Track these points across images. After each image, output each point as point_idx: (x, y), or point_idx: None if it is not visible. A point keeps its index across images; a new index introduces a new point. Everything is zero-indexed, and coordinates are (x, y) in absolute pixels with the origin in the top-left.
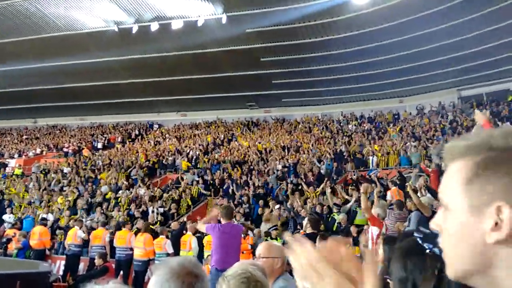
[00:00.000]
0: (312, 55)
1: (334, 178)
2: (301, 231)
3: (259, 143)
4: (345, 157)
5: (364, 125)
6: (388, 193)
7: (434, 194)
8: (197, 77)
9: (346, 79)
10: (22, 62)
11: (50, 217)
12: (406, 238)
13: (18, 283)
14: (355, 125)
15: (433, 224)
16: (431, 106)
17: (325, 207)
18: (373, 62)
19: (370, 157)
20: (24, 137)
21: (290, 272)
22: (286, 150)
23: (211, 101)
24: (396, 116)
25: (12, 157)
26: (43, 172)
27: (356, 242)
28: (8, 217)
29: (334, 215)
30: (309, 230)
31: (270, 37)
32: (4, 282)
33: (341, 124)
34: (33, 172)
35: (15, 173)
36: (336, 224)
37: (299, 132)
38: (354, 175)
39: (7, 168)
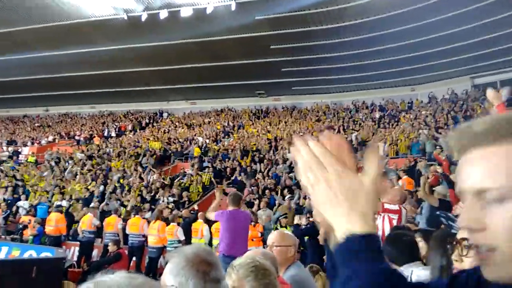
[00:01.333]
0: (322, 42)
1: None
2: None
3: (269, 131)
4: (355, 145)
5: (375, 113)
6: (399, 182)
7: (450, 183)
8: (206, 65)
9: (357, 67)
10: (33, 51)
11: (64, 204)
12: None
13: (34, 268)
14: (365, 114)
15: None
16: (443, 95)
17: None
18: (384, 50)
19: (380, 146)
20: (37, 125)
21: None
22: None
23: (220, 89)
24: (409, 105)
25: (25, 145)
26: (56, 160)
27: None
28: (23, 204)
29: None
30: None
31: (279, 24)
32: (21, 268)
33: (351, 113)
34: (46, 160)
35: (28, 160)
36: None
37: (308, 121)
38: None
39: (20, 156)
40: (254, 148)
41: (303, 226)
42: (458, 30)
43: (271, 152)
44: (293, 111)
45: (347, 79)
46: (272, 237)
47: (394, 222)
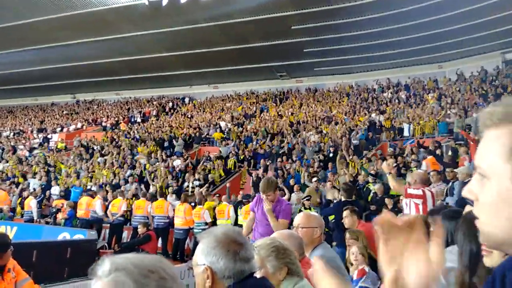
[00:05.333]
0: (345, 20)
1: (369, 148)
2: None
3: (291, 114)
4: (380, 126)
5: (401, 93)
6: (424, 162)
7: None
8: (227, 49)
9: (381, 45)
10: (57, 40)
11: (94, 188)
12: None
13: (69, 250)
14: (391, 93)
15: (467, 192)
16: (472, 71)
17: (360, 176)
18: (409, 27)
19: (406, 126)
20: (65, 112)
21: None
22: (319, 121)
23: (242, 72)
24: (436, 83)
25: (54, 132)
26: (84, 146)
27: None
28: (55, 189)
29: (369, 185)
30: (343, 198)
31: (300, 3)
32: (56, 250)
33: (376, 93)
34: (74, 146)
35: (58, 147)
36: (371, 194)
37: (332, 102)
38: (390, 146)
39: (50, 142)
40: (277, 131)
41: (332, 203)
42: (487, 3)
43: (294, 134)
44: (316, 93)
45: (371, 58)
46: (297, 219)
47: (420, 208)
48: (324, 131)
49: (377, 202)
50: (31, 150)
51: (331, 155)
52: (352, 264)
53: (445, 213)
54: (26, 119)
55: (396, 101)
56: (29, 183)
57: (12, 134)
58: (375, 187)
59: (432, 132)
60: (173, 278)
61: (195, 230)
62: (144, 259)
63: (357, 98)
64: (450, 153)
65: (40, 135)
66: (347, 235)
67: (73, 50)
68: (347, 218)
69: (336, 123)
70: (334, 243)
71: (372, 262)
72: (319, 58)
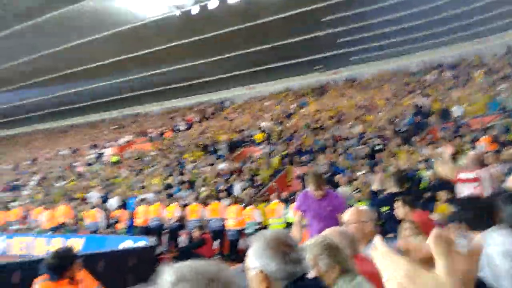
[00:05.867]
0: (377, 6)
1: (418, 133)
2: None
3: (331, 107)
4: (426, 110)
5: (445, 73)
6: (478, 143)
7: None
8: (259, 49)
9: (418, 26)
10: (100, 59)
11: (150, 196)
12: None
13: (131, 258)
14: (434, 75)
15: None
16: None
17: (411, 164)
18: (447, 3)
19: (455, 107)
20: (113, 127)
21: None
22: (360, 111)
23: (277, 70)
24: (482, 59)
25: (106, 147)
26: (135, 157)
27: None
28: (112, 201)
29: (422, 171)
30: (394, 190)
31: None
32: (119, 258)
33: (418, 75)
34: (127, 158)
35: (111, 160)
36: (424, 181)
37: (372, 90)
38: (441, 129)
39: (104, 157)
40: (318, 126)
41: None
42: None
43: (336, 127)
44: (354, 83)
45: (408, 40)
46: (347, 215)
47: (476, 191)
48: (367, 121)
49: (431, 189)
50: (87, 165)
51: (377, 145)
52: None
53: (505, 197)
54: (79, 138)
55: (441, 82)
56: (89, 197)
57: (68, 152)
58: (428, 173)
59: (484, 111)
60: (232, 284)
61: (247, 231)
62: (205, 267)
63: (399, 83)
64: (504, 131)
65: (94, 151)
66: (403, 226)
67: (115, 67)
68: (399, 210)
69: (379, 112)
70: (388, 236)
71: None
72: (354, 47)
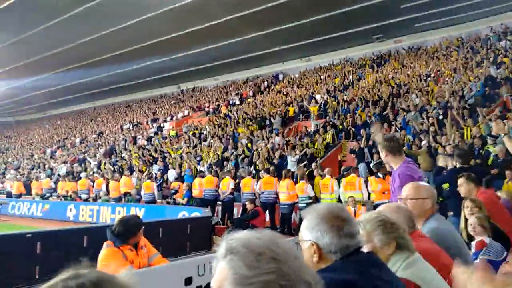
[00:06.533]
0: None
1: (487, 105)
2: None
3: (392, 78)
4: (498, 80)
5: None
6: None
7: None
8: (318, 18)
9: None
10: (159, 35)
11: (204, 169)
12: None
13: (189, 226)
14: (509, 40)
15: None
16: None
17: (476, 139)
18: None
19: None
20: (172, 102)
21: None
22: (424, 81)
23: (335, 40)
24: None
25: (165, 121)
26: (192, 131)
27: None
28: (171, 172)
29: (489, 147)
30: (458, 165)
31: None
32: (179, 227)
33: (491, 42)
34: (184, 132)
35: (170, 134)
36: (492, 157)
37: (437, 60)
38: None
39: (163, 131)
40: (377, 98)
41: (445, 171)
42: None
43: (396, 99)
44: (418, 51)
45: (480, 3)
46: (406, 190)
47: None
48: (430, 92)
49: (499, 165)
50: (148, 139)
51: (440, 117)
52: (469, 236)
53: None
54: (141, 112)
55: None
56: (151, 169)
57: (131, 126)
58: (495, 149)
59: None
60: (282, 257)
61: (299, 205)
62: (254, 240)
63: (468, 51)
64: None
65: (154, 125)
66: (466, 203)
67: (174, 43)
68: (463, 186)
69: (444, 82)
70: (449, 213)
71: (495, 232)
72: (418, 13)
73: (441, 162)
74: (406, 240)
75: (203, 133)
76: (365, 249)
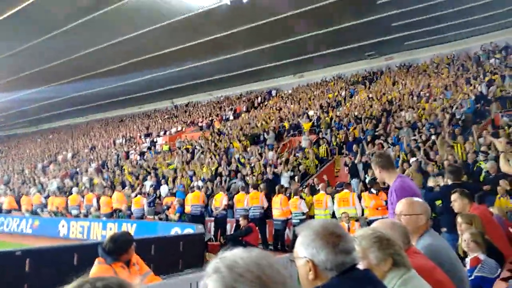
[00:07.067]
0: None
1: (478, 122)
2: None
3: (383, 94)
4: (489, 97)
5: (510, 57)
6: None
7: None
8: (310, 35)
9: (481, 7)
10: (154, 50)
11: (200, 184)
12: None
13: (181, 243)
14: (498, 59)
15: None
16: None
17: (469, 154)
18: None
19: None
20: (166, 117)
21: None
22: (415, 98)
23: (327, 57)
24: None
25: (159, 136)
26: (185, 146)
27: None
28: (164, 188)
29: (480, 163)
30: (450, 181)
31: None
32: (171, 243)
33: (481, 60)
34: (177, 147)
35: (163, 149)
36: (483, 173)
37: (428, 77)
38: (502, 116)
39: (157, 146)
40: (368, 114)
41: (436, 189)
42: None
43: (388, 116)
44: (409, 69)
45: (470, 22)
46: (400, 206)
47: None
48: (421, 109)
49: (491, 181)
50: (141, 154)
51: (431, 135)
52: (464, 252)
53: None
54: (134, 126)
55: (507, 66)
56: (144, 184)
57: (124, 140)
58: (486, 165)
59: None
60: (265, 280)
61: (293, 221)
62: (240, 260)
63: (459, 68)
64: None
65: (148, 140)
66: (459, 219)
67: (169, 58)
68: (456, 202)
69: (435, 99)
70: (443, 229)
71: (489, 248)
72: (409, 31)
73: (431, 182)
74: (402, 256)
75: (196, 148)
76: (360, 265)
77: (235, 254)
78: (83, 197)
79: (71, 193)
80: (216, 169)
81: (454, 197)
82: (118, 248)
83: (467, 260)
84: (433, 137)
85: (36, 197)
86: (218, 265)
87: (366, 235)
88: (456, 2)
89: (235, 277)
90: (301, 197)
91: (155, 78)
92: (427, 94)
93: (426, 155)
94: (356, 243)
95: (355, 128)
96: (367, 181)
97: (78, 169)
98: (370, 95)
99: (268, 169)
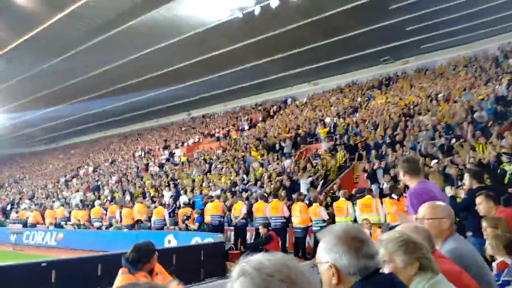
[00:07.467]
0: None
1: (500, 123)
2: (464, 187)
3: (401, 99)
4: (509, 98)
5: None
6: None
7: None
8: (323, 43)
9: (497, 6)
10: (170, 65)
11: (217, 194)
12: None
13: (202, 252)
14: None
15: None
16: None
17: (492, 156)
18: None
19: None
20: (183, 128)
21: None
22: (433, 101)
23: (342, 64)
24: None
25: (177, 147)
26: (203, 157)
27: None
28: (183, 198)
29: (504, 165)
30: (475, 185)
31: None
32: (192, 253)
33: (500, 61)
34: (195, 158)
35: (181, 160)
36: (508, 175)
37: (445, 79)
38: None
39: (175, 157)
40: (386, 119)
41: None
42: None
43: (406, 120)
44: (426, 72)
45: (487, 22)
46: (422, 210)
47: None
48: (440, 112)
49: None
50: (160, 166)
51: (452, 138)
52: (491, 256)
53: None
54: (153, 139)
55: None
56: (163, 195)
57: (143, 153)
58: (511, 167)
59: None
60: (293, 279)
61: (313, 228)
62: (267, 262)
63: (477, 69)
64: None
65: (166, 152)
66: (484, 223)
67: (183, 72)
68: (482, 205)
69: (455, 101)
70: (468, 233)
71: None
72: (424, 34)
73: (450, 191)
74: (429, 260)
75: (213, 159)
76: (386, 269)
77: (260, 257)
78: (105, 209)
79: (94, 206)
80: (234, 178)
81: (479, 199)
82: (141, 257)
83: (494, 264)
84: (453, 140)
85: (59, 211)
86: (245, 267)
87: (392, 238)
88: (470, 3)
89: (265, 277)
90: (320, 204)
91: (172, 92)
92: (446, 97)
93: (449, 158)
94: (381, 246)
95: (372, 133)
96: (383, 186)
97: (99, 183)
98: (388, 100)
99: (284, 176)
